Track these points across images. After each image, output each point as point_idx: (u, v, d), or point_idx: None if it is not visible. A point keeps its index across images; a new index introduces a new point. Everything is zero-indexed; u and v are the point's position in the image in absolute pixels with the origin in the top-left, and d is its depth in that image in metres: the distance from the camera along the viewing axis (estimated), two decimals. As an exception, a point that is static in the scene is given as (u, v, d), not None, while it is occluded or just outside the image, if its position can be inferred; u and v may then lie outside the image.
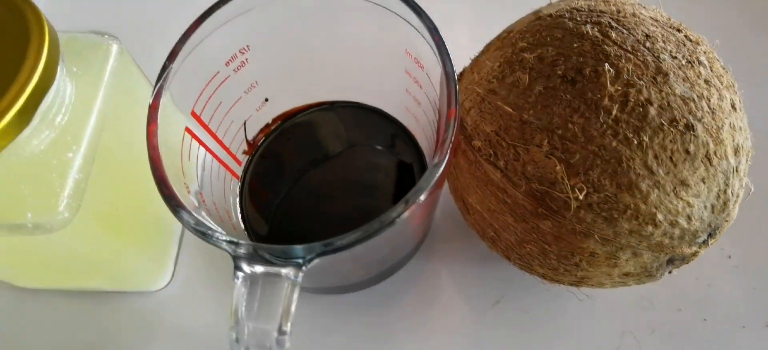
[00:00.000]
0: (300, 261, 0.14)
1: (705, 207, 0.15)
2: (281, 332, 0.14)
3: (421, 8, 0.16)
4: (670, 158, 0.14)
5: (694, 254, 0.16)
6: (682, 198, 0.14)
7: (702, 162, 0.14)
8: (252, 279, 0.14)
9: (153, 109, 0.16)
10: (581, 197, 0.14)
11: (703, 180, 0.15)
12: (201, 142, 0.19)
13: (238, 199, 0.21)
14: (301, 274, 0.14)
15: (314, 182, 0.22)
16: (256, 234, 0.21)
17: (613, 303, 0.20)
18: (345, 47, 0.20)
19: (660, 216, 0.14)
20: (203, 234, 0.14)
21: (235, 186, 0.22)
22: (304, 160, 0.22)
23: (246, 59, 0.20)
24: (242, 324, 0.14)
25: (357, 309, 0.21)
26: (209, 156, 0.20)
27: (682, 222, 0.15)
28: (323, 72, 0.21)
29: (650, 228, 0.15)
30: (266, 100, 0.22)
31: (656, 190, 0.14)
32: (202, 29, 0.17)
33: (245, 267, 0.14)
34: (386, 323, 0.21)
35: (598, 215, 0.15)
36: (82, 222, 0.16)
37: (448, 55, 0.15)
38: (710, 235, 0.15)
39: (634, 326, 0.20)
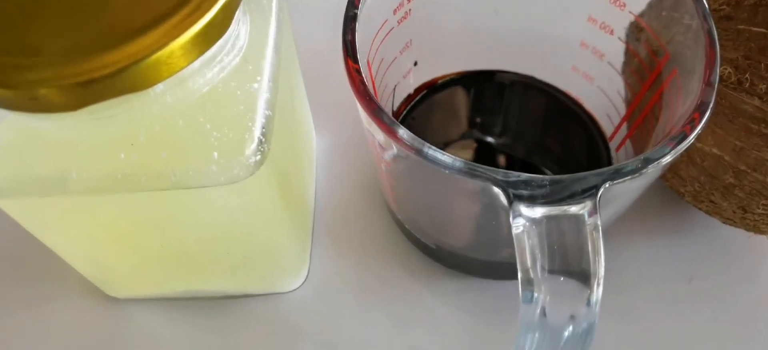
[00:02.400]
0: (592, 191, 0.11)
1: None
2: (590, 288, 0.11)
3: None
4: None
5: None
6: None
7: None
8: (537, 224, 0.11)
9: (352, 44, 0.14)
10: None
11: None
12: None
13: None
14: (598, 215, 0.11)
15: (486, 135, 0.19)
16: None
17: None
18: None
19: None
20: (470, 169, 0.11)
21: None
22: (456, 128, 0.20)
23: (410, 9, 0.17)
24: (539, 282, 0.11)
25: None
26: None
27: None
28: (480, 34, 0.19)
29: None
30: (415, 63, 0.19)
31: None
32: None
33: (525, 210, 0.11)
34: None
35: None
36: (263, 176, 0.13)
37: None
38: None
39: None
